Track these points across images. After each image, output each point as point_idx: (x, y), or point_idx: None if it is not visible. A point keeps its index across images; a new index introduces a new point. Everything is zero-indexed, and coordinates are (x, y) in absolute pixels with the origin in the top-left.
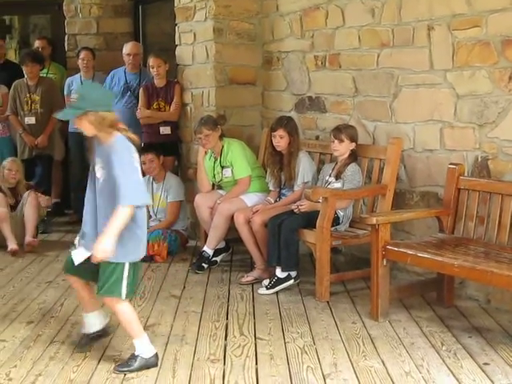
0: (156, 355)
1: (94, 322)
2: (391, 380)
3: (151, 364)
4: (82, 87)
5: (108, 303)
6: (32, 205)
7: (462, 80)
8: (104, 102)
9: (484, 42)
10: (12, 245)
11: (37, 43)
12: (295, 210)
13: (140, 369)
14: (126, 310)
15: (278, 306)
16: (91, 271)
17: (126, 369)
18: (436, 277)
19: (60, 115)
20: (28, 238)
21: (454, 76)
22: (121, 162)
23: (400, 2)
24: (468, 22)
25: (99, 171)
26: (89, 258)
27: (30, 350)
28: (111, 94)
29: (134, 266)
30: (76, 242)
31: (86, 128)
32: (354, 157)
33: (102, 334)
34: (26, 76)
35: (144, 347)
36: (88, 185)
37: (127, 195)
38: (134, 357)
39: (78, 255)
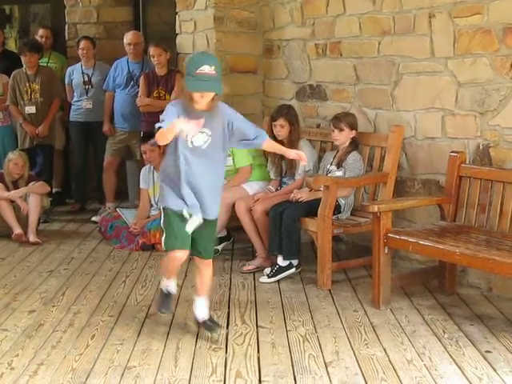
0: None
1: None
2: (393, 368)
3: None
4: (209, 57)
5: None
6: (34, 205)
7: (464, 68)
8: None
9: (485, 30)
10: (17, 230)
11: (41, 32)
12: (291, 198)
13: None
14: None
15: (280, 295)
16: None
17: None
18: (438, 265)
19: (217, 89)
20: (32, 239)
21: (455, 64)
22: (237, 113)
23: None
24: (469, 10)
25: (202, 138)
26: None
27: (31, 339)
28: None
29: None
30: (186, 214)
31: (208, 98)
32: (354, 145)
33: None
34: (24, 65)
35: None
36: (180, 159)
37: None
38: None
39: (193, 224)
